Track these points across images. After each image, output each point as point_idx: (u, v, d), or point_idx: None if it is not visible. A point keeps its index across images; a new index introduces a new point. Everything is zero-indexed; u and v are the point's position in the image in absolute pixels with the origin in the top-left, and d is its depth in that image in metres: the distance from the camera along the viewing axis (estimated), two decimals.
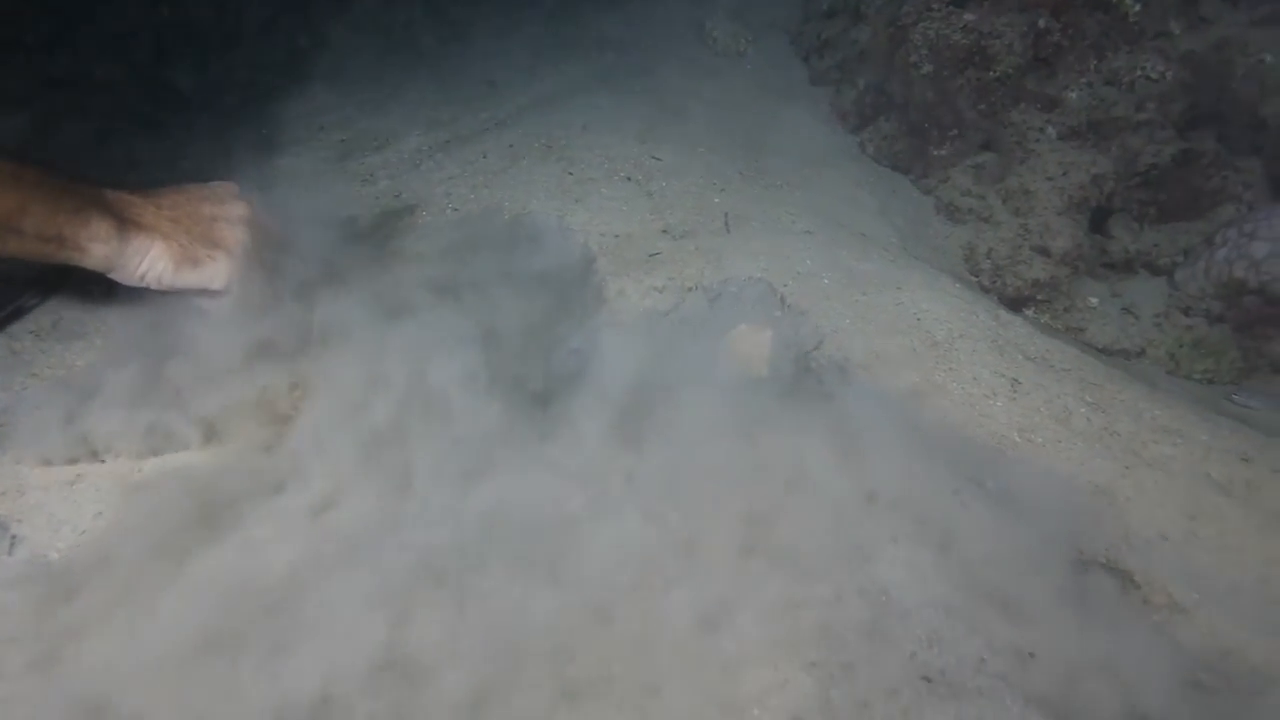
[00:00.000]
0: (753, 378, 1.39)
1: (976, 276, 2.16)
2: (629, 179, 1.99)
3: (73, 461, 1.12)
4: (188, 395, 1.18)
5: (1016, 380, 1.51)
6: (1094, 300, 2.13)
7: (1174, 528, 1.21)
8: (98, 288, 1.36)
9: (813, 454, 1.18)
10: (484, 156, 2.10)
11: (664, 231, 1.81)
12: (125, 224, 1.12)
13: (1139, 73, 2.15)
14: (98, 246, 1.09)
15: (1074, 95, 2.21)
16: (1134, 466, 1.33)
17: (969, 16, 2.22)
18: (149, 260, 1.14)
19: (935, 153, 2.33)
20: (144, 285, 1.16)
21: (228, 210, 1.25)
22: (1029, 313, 2.10)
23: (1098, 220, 2.21)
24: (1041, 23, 2.20)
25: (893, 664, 0.86)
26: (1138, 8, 2.14)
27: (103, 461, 1.13)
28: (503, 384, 1.29)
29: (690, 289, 1.61)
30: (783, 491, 1.09)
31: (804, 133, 2.42)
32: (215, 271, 1.19)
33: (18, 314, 1.40)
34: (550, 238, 1.72)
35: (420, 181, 2.01)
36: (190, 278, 1.17)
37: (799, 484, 1.11)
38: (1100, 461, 1.33)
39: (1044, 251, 2.12)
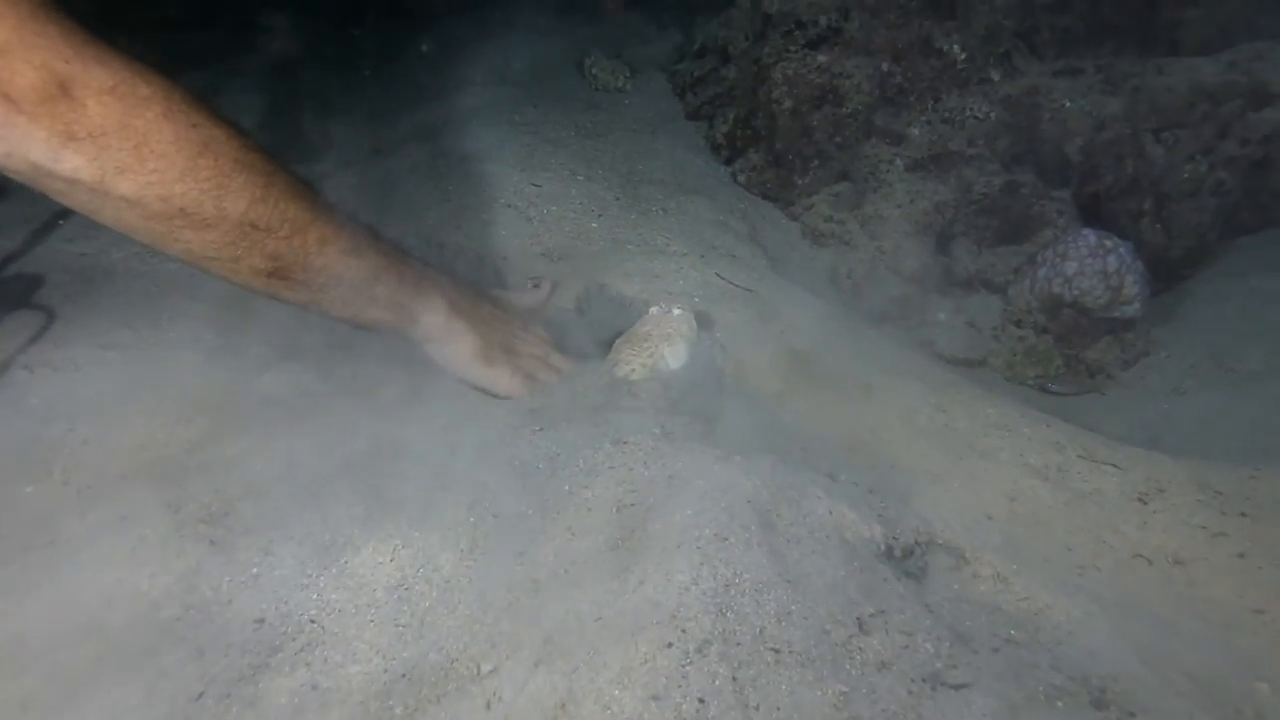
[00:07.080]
0: (624, 386, 1.45)
1: (840, 294, 2.34)
2: (509, 205, 2.04)
3: None
4: None
5: (869, 385, 1.65)
6: (942, 315, 2.34)
7: (998, 509, 1.36)
8: None
9: (675, 459, 1.25)
10: (362, 183, 2.10)
11: (542, 254, 1.87)
12: (452, 306, 1.23)
13: (968, 112, 2.42)
14: (429, 318, 1.20)
15: (916, 131, 2.45)
16: (967, 457, 1.48)
17: (822, 58, 2.43)
18: (457, 345, 1.25)
19: (799, 182, 2.52)
20: (440, 363, 1.27)
21: (530, 332, 1.39)
22: (887, 327, 2.28)
23: (943, 243, 2.45)
24: (885, 66, 2.43)
25: (745, 639, 0.92)
26: (963, 55, 2.41)
27: None
28: None
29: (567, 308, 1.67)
30: (659, 488, 1.15)
31: (679, 163, 2.55)
32: (500, 378, 1.29)
33: None
34: None
35: None
36: (479, 374, 1.28)
37: (670, 482, 1.18)
38: (939, 454, 1.48)
39: (896, 271, 2.32)
